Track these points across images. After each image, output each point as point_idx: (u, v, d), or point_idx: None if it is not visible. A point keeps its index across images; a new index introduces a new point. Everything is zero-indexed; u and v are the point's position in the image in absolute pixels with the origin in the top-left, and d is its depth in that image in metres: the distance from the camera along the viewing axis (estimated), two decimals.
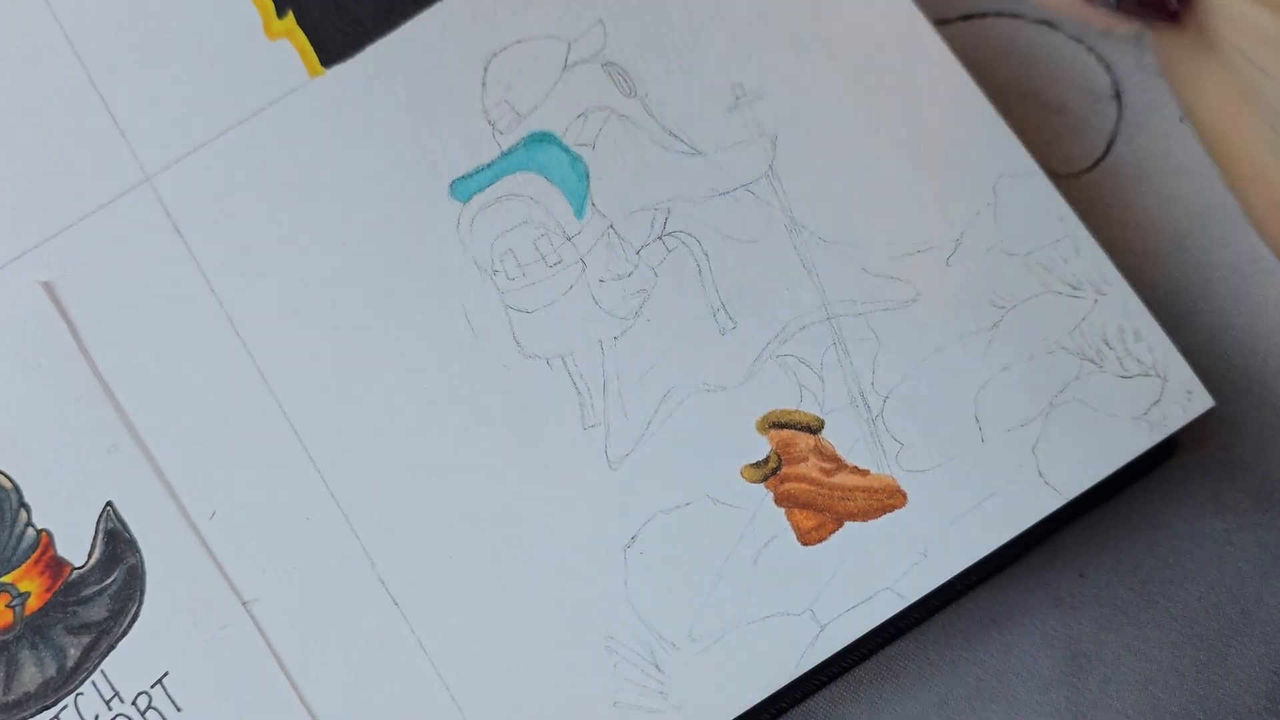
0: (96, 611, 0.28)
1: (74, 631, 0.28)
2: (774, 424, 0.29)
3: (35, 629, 0.28)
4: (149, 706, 0.28)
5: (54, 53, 0.30)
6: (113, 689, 0.28)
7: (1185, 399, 0.29)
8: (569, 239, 0.30)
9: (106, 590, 0.28)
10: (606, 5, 0.31)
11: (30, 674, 0.28)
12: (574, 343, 0.29)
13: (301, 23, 0.30)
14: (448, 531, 0.28)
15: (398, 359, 0.29)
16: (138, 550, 0.28)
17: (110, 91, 0.30)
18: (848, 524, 0.28)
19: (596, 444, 0.29)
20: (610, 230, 0.30)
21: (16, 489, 0.28)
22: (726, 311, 0.29)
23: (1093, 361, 0.29)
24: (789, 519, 0.28)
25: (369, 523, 0.28)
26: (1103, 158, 0.36)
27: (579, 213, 0.30)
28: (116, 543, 0.28)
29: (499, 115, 0.30)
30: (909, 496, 0.28)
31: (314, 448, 0.29)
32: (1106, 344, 0.29)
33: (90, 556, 0.28)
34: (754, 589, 0.28)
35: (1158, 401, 0.29)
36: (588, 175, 0.30)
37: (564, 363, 0.29)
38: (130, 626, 0.28)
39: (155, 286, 0.29)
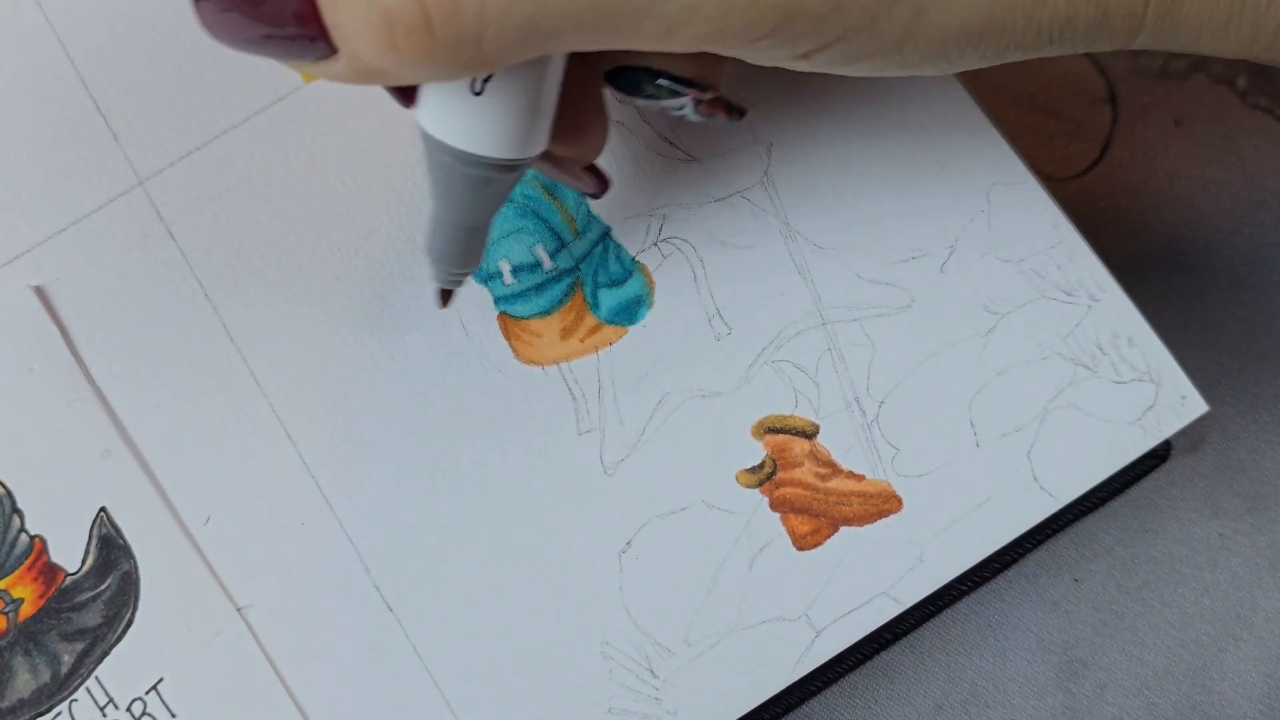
0: (91, 618, 0.28)
1: (68, 638, 0.28)
2: (769, 429, 0.29)
3: (29, 635, 0.28)
4: (144, 713, 0.28)
5: (47, 57, 0.30)
6: (107, 695, 0.28)
7: (1179, 404, 0.29)
8: (565, 245, 0.30)
9: (100, 596, 0.28)
10: None
11: (24, 680, 0.28)
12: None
13: None
14: (442, 537, 0.28)
15: (392, 364, 0.29)
16: (132, 556, 0.28)
17: (104, 95, 0.30)
18: (843, 529, 0.28)
19: (592, 449, 0.29)
20: (606, 236, 0.30)
21: (9, 495, 0.28)
22: (722, 317, 0.29)
23: (1087, 367, 0.29)
24: (784, 524, 0.28)
25: (363, 528, 0.28)
26: (1097, 161, 0.36)
27: (575, 219, 0.30)
28: (110, 549, 0.28)
29: None
30: (904, 501, 0.28)
31: (308, 453, 0.29)
32: (1100, 350, 0.29)
33: (84, 562, 0.28)
34: (749, 594, 0.28)
35: (1151, 407, 0.29)
36: None
37: (559, 368, 0.29)
38: (124, 633, 0.28)
39: (148, 291, 0.29)
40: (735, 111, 0.24)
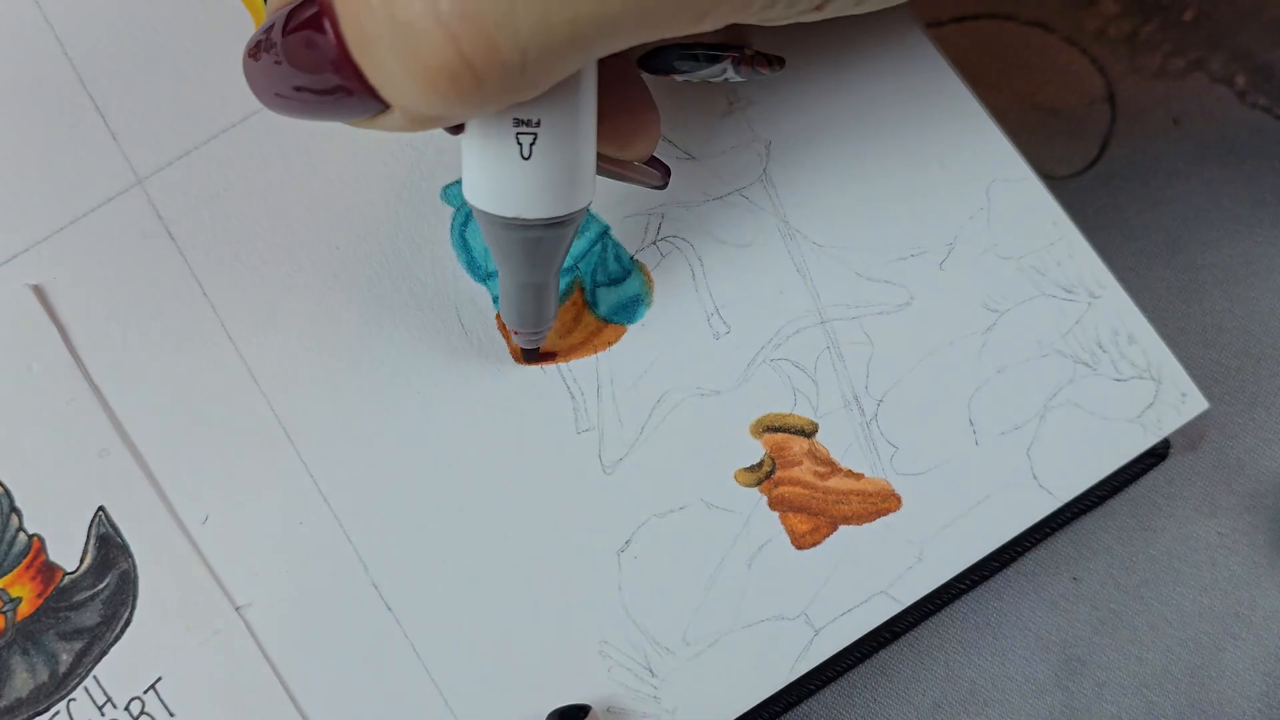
0: (89, 617, 0.28)
1: (66, 637, 0.28)
2: (768, 428, 0.29)
3: (27, 634, 0.28)
4: (142, 712, 0.28)
5: (46, 56, 0.30)
6: (105, 695, 0.28)
7: (1179, 401, 0.29)
8: None
9: (99, 595, 0.28)
10: None
11: (22, 680, 0.28)
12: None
13: None
14: (441, 536, 0.28)
15: (391, 363, 0.29)
16: (130, 555, 0.28)
17: (102, 94, 0.30)
18: (842, 528, 0.28)
19: (590, 448, 0.29)
20: (605, 235, 0.30)
21: (8, 494, 0.28)
22: (720, 316, 0.29)
23: (1086, 364, 0.29)
24: (783, 523, 0.28)
25: (362, 527, 0.28)
26: (1096, 160, 0.36)
27: None
28: (109, 548, 0.28)
29: None
30: (903, 500, 0.28)
31: (307, 452, 0.29)
32: (1100, 347, 0.29)
33: (82, 562, 0.28)
34: (748, 593, 0.28)
35: (1151, 404, 0.29)
36: None
37: (558, 367, 0.29)
38: (123, 632, 0.28)
39: (147, 290, 0.29)
40: (776, 62, 0.25)
